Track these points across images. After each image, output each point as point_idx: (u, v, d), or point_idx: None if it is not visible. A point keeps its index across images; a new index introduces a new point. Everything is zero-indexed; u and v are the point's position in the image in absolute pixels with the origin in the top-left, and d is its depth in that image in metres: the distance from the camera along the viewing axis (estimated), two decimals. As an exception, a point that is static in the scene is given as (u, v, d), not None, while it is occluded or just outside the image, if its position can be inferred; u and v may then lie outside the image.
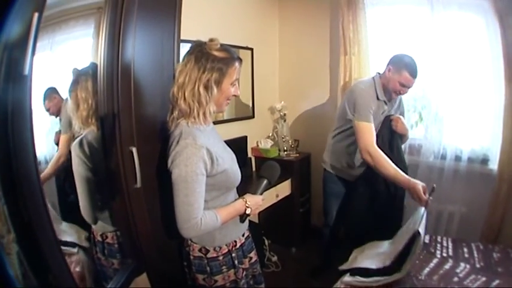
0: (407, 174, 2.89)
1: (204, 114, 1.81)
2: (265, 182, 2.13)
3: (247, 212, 1.98)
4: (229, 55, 1.82)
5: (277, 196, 3.89)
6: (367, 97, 3.06)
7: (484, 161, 3.72)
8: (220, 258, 1.95)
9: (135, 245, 2.01)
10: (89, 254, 1.87)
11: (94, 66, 1.80)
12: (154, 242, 2.09)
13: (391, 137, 3.17)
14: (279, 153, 4.26)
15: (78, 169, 1.76)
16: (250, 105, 4.30)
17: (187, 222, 1.72)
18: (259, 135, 4.44)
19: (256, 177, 2.23)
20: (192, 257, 1.96)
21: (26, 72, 1.11)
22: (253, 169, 4.37)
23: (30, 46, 1.10)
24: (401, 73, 2.99)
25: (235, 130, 4.00)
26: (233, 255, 1.99)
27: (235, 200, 2.02)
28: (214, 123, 3.29)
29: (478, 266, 2.80)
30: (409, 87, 3.05)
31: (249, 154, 4.29)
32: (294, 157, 4.26)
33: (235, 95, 1.92)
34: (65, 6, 1.65)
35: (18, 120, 1.12)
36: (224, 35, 3.48)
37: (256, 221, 4.41)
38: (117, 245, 2.02)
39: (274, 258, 4.10)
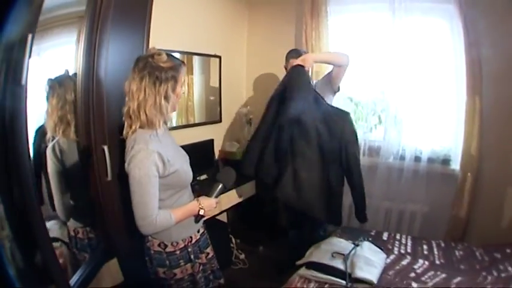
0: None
1: (165, 121, 1.93)
2: (220, 186, 2.19)
3: (201, 213, 2.05)
4: (176, 62, 1.91)
5: (241, 196, 3.74)
6: None
7: (446, 161, 3.70)
8: (178, 252, 2.02)
9: (106, 231, 2.25)
10: (70, 249, 2.06)
11: (67, 75, 1.98)
12: (123, 228, 2.26)
13: None
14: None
15: (52, 171, 1.92)
16: (218, 110, 4.23)
17: (144, 220, 1.79)
18: (226, 139, 4.38)
19: (213, 181, 2.25)
20: (152, 252, 2.02)
21: (23, 82, 1.27)
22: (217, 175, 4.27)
23: (26, 59, 1.27)
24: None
25: (203, 134, 3.91)
26: (189, 250, 2.06)
27: (191, 201, 2.09)
28: (185, 126, 3.20)
29: (437, 262, 2.75)
30: None
31: (217, 157, 4.20)
32: (258, 159, 4.16)
33: (183, 93, 2.05)
34: (50, 14, 1.71)
35: (15, 124, 1.27)
36: (193, 44, 3.42)
37: (225, 220, 4.33)
38: (87, 240, 2.20)
39: (242, 256, 4.01)
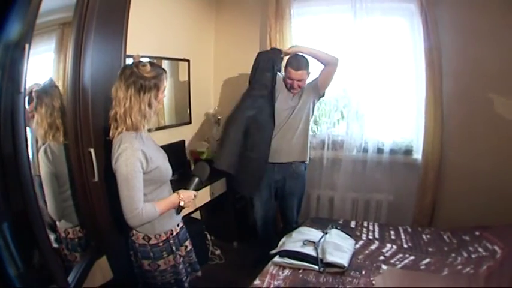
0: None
1: (148, 124, 2.04)
2: (196, 179, 2.30)
3: (181, 204, 2.15)
4: (158, 71, 2.00)
5: (212, 193, 3.79)
6: None
7: (408, 151, 3.81)
8: (161, 244, 2.11)
9: (95, 230, 2.28)
10: (60, 254, 2.05)
11: (52, 83, 2.04)
12: (111, 227, 2.33)
13: None
14: (213, 155, 4.14)
15: (45, 173, 1.98)
16: (188, 112, 4.24)
17: (131, 212, 1.87)
18: (196, 139, 4.39)
19: (190, 176, 2.34)
20: (137, 245, 2.10)
21: (22, 89, 1.34)
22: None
23: (25, 67, 1.33)
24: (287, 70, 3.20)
25: (174, 135, 3.93)
26: (171, 242, 2.16)
27: (171, 194, 2.18)
28: (157, 129, 3.25)
29: (405, 246, 2.82)
30: (294, 79, 3.17)
31: (188, 157, 4.22)
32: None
33: (164, 97, 2.11)
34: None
35: (17, 133, 1.32)
36: (163, 49, 3.43)
37: (199, 217, 4.36)
38: (77, 240, 2.23)
39: (218, 252, 4.03)
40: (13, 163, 1.31)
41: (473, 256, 2.58)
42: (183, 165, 3.88)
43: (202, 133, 4.48)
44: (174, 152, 3.75)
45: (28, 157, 1.43)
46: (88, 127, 2.13)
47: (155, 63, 2.10)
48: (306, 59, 3.18)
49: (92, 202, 2.21)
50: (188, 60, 4.15)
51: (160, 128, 3.78)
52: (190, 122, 4.28)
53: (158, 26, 3.69)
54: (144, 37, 3.36)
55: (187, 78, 4.18)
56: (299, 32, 4.05)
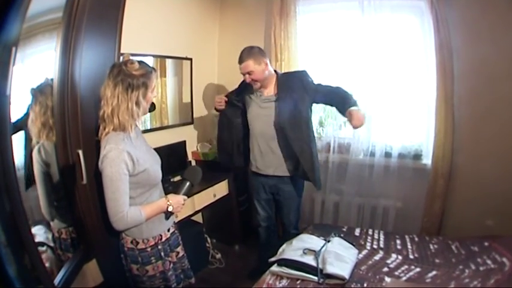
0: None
1: (136, 124, 2.06)
2: (187, 183, 2.28)
3: (169, 209, 2.13)
4: (147, 69, 1.99)
5: (214, 196, 3.75)
6: None
7: (417, 156, 3.69)
8: (149, 249, 2.10)
9: (85, 234, 2.29)
10: (55, 252, 2.09)
11: (48, 82, 2.02)
12: (100, 231, 2.32)
13: None
14: (215, 156, 4.09)
15: (38, 172, 1.99)
16: (190, 111, 4.20)
17: (115, 215, 1.87)
18: (198, 140, 4.38)
19: (180, 180, 2.38)
20: (126, 249, 2.11)
21: (8, 92, 1.34)
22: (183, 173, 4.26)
23: (10, 69, 1.33)
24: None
25: (176, 135, 3.90)
26: (159, 247, 2.14)
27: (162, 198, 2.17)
28: (159, 129, 3.13)
29: (411, 257, 2.72)
30: (244, 73, 3.06)
31: (190, 157, 4.18)
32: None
33: (154, 97, 2.11)
34: (34, 21, 1.75)
35: (2, 135, 1.32)
36: (166, 47, 3.38)
37: (200, 220, 4.32)
38: (70, 240, 2.24)
39: (218, 256, 3.98)
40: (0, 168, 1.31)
41: (481, 268, 2.48)
42: (183, 166, 3.82)
43: (205, 134, 4.45)
44: (175, 152, 3.75)
45: (14, 163, 1.42)
46: (77, 127, 2.14)
47: (144, 62, 2.04)
48: (256, 47, 3.08)
49: (81, 204, 2.23)
50: (191, 59, 4.11)
51: (163, 127, 3.83)
52: (192, 122, 4.25)
53: (160, 24, 3.67)
54: (146, 35, 3.37)
55: (189, 77, 4.14)
56: (304, 30, 3.97)
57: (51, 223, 2.12)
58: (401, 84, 3.67)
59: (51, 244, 2.06)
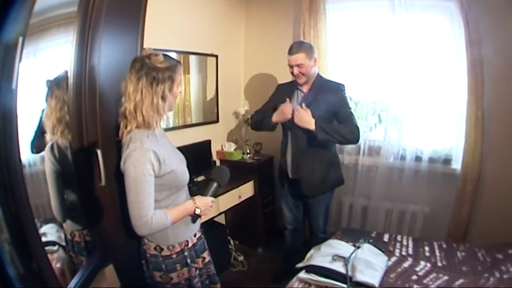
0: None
1: (161, 120, 1.95)
2: (215, 184, 2.17)
3: (197, 212, 2.02)
4: (172, 62, 1.90)
5: (239, 197, 3.74)
6: None
7: (447, 161, 3.65)
8: (174, 256, 2.01)
9: (101, 238, 2.18)
10: (67, 252, 1.98)
11: (65, 76, 1.91)
12: (119, 235, 2.20)
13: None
14: (242, 156, 4.15)
15: (50, 171, 1.86)
16: (215, 110, 4.20)
17: (139, 219, 1.76)
18: (223, 139, 4.36)
19: (207, 180, 2.28)
20: (148, 255, 2.02)
21: (14, 86, 1.28)
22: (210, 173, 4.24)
23: (17, 62, 1.27)
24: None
25: (200, 134, 3.90)
26: (185, 254, 2.05)
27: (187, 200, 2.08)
28: (183, 127, 3.14)
29: (440, 264, 2.71)
30: (293, 66, 2.96)
31: (214, 157, 4.17)
32: (256, 159, 4.14)
33: (180, 92, 2.01)
34: (47, 15, 1.70)
35: (7, 130, 1.28)
36: (190, 43, 3.39)
37: (223, 222, 4.31)
38: (83, 243, 2.13)
39: (241, 258, 3.98)
40: (4, 162, 1.27)
41: (505, 276, 2.48)
42: (207, 165, 3.82)
43: (230, 133, 4.46)
44: (199, 151, 3.75)
45: (20, 161, 1.37)
46: (95, 125, 2.04)
47: (168, 55, 1.95)
48: (307, 42, 3.07)
49: (99, 208, 2.13)
50: (216, 56, 4.11)
51: (186, 126, 3.83)
52: (217, 121, 4.25)
53: (184, 19, 3.68)
54: (169, 30, 3.36)
55: (215, 75, 4.14)
56: (334, 28, 3.93)
57: (64, 224, 2.00)
58: (431, 86, 3.62)
59: (63, 243, 1.97)
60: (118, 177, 1.95)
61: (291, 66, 2.98)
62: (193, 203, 2.03)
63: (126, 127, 1.87)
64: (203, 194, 2.13)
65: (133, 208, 1.77)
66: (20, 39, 1.28)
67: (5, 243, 1.23)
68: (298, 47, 2.95)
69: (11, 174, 1.29)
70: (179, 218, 1.96)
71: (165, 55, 1.91)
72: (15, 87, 1.29)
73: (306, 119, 2.82)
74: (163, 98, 1.85)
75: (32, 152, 1.74)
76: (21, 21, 1.31)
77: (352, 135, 2.87)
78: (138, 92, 1.80)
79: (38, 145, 1.77)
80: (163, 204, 1.94)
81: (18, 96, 1.32)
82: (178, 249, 2.02)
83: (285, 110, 2.92)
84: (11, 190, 1.28)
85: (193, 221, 2.09)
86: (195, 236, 2.16)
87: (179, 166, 2.00)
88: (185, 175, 2.05)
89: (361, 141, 3.75)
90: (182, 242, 2.05)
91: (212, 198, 2.15)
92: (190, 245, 2.09)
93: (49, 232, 1.86)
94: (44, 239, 1.70)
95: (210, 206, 2.13)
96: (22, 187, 1.35)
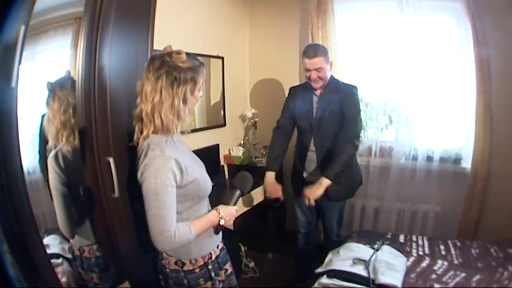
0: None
1: (181, 125, 1.77)
2: (238, 192, 2.06)
3: (221, 223, 1.89)
4: (195, 62, 1.75)
5: (249, 203, 3.68)
6: None
7: (457, 160, 3.71)
8: (197, 270, 1.86)
9: (115, 254, 2.02)
10: (72, 265, 1.91)
11: (68, 77, 1.82)
12: (134, 250, 2.06)
13: None
14: (250, 160, 4.14)
15: (54, 182, 1.78)
16: (222, 113, 4.18)
17: (161, 235, 1.62)
18: (231, 143, 4.32)
19: (229, 188, 2.23)
20: (168, 270, 1.88)
21: (13, 84, 1.23)
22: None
23: (17, 60, 1.22)
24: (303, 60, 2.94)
25: (207, 138, 3.86)
26: (209, 267, 1.91)
27: (209, 211, 1.94)
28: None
29: (456, 262, 2.77)
30: (312, 69, 2.89)
31: (222, 162, 4.16)
32: (265, 163, 3.99)
33: (200, 97, 1.87)
34: (45, 17, 1.66)
35: (6, 131, 1.24)
36: (195, 45, 3.40)
37: (232, 228, 4.19)
38: (94, 259, 2.00)
39: (252, 264, 3.93)
40: (2, 166, 1.23)
41: None
42: (216, 171, 3.83)
43: (238, 137, 4.44)
44: (208, 156, 3.67)
45: (20, 157, 1.31)
46: (106, 131, 1.88)
47: (192, 54, 1.78)
48: (321, 45, 3.05)
49: (112, 221, 1.96)
50: (222, 58, 4.10)
51: (191, 130, 3.64)
52: (224, 125, 4.23)
53: (189, 21, 3.66)
54: (174, 32, 3.28)
55: (220, 77, 4.12)
56: (343, 29, 3.96)
57: (71, 240, 1.92)
58: (441, 86, 3.67)
59: (68, 256, 1.89)
60: (130, 187, 1.90)
61: (308, 70, 2.90)
62: (217, 213, 1.89)
63: (141, 132, 1.72)
64: (226, 203, 2.00)
65: (155, 223, 1.63)
66: (22, 28, 1.23)
67: (6, 254, 1.16)
68: (315, 50, 2.88)
69: (10, 177, 1.25)
70: (203, 231, 1.83)
71: (188, 54, 1.74)
72: (15, 86, 1.24)
73: (319, 193, 2.85)
74: (184, 101, 1.70)
75: (41, 166, 1.73)
76: (21, 21, 1.25)
77: (354, 149, 2.94)
78: (157, 93, 1.65)
79: (45, 155, 1.74)
80: (185, 216, 1.80)
81: (19, 96, 1.28)
82: (202, 262, 1.88)
83: (272, 193, 3.14)
84: (9, 194, 1.24)
85: (217, 232, 1.96)
86: (217, 247, 2.02)
87: (201, 174, 1.86)
88: (208, 183, 1.91)
89: (372, 142, 3.84)
90: (205, 255, 1.91)
91: (236, 207, 2.05)
92: (213, 257, 1.95)
93: (52, 244, 1.79)
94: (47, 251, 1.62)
95: (234, 216, 2.02)
96: (25, 199, 1.31)
